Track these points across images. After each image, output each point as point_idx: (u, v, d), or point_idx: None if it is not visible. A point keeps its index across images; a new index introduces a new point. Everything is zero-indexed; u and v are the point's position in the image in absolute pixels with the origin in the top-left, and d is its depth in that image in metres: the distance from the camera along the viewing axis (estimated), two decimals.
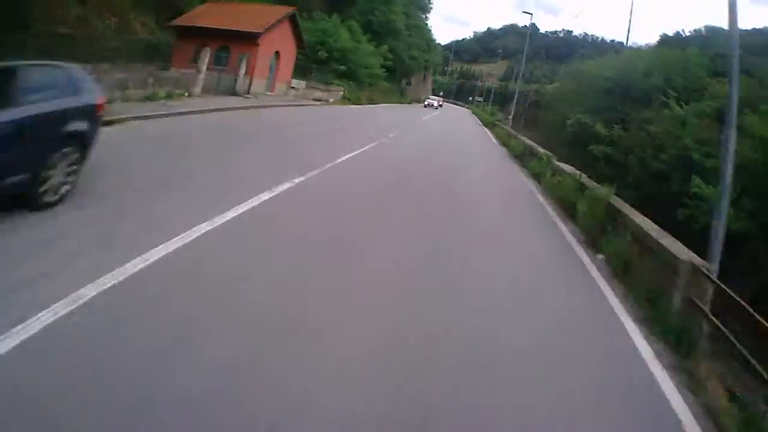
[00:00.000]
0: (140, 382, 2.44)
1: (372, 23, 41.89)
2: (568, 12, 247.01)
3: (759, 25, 48.44)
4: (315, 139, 13.10)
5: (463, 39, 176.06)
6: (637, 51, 35.20)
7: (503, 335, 3.87)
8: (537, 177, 13.78)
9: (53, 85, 4.80)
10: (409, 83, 63.00)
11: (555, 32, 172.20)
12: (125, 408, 2.27)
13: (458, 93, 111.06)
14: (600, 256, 6.77)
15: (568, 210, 9.44)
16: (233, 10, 22.58)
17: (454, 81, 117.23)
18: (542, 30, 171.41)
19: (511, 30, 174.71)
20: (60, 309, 2.87)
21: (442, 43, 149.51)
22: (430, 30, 66.67)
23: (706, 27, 52.57)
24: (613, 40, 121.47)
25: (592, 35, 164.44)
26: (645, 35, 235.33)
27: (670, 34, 59.61)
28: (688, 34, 56.66)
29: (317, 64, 31.48)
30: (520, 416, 2.89)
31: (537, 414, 2.95)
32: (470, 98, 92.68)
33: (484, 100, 79.51)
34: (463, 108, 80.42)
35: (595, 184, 9.83)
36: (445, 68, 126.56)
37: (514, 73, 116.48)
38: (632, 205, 7.83)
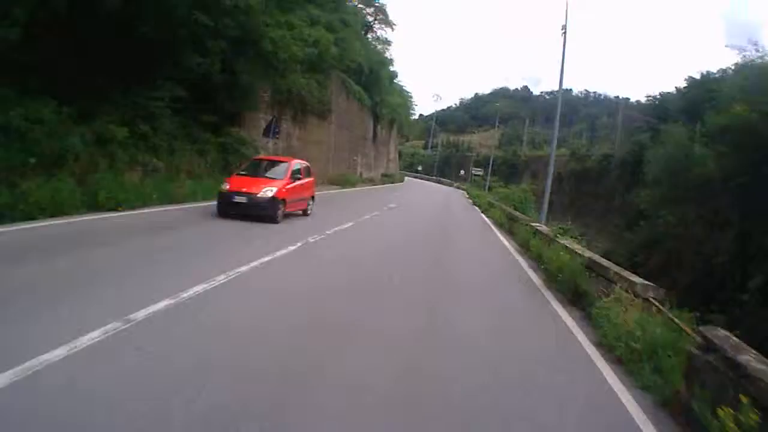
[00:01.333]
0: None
1: None
2: (555, 74, 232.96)
3: None
4: None
5: (448, 108, 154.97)
6: None
7: None
8: None
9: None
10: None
11: (551, 93, 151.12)
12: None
13: (444, 167, 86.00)
14: None
15: None
16: None
17: (439, 153, 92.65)
18: (536, 92, 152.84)
19: (501, 94, 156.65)
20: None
21: (425, 114, 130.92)
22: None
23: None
24: (617, 97, 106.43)
25: (594, 92, 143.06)
26: (640, 91, 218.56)
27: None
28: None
29: None
30: None
31: None
32: (461, 172, 68.23)
33: (479, 175, 55.44)
34: (451, 189, 56.03)
35: None
36: (429, 140, 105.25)
37: (506, 139, 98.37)
38: None
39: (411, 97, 55.70)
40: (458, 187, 60.04)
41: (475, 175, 57.69)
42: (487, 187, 35.99)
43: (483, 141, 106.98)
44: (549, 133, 78.68)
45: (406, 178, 68.23)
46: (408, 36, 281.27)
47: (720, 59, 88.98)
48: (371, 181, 34.47)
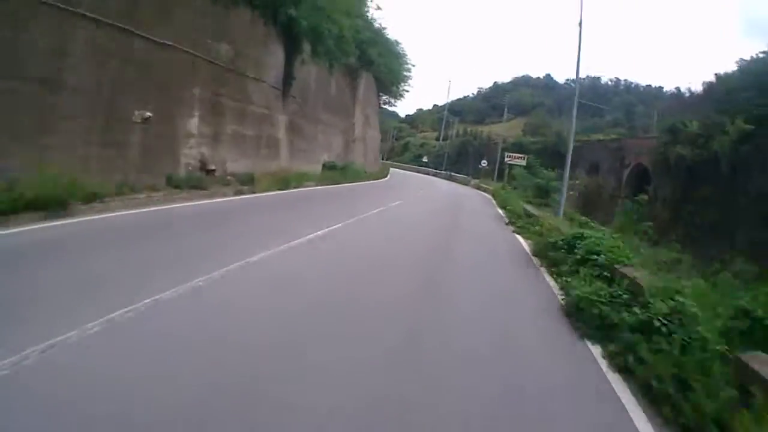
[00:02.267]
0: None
1: None
2: (588, 60, 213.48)
3: None
4: None
5: (465, 97, 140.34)
6: None
7: None
8: None
9: None
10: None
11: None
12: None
13: (459, 159, 69.26)
14: None
15: None
16: None
17: (451, 143, 75.76)
18: (560, 80, 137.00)
19: (522, 82, 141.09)
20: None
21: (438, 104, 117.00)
22: None
23: None
24: (649, 85, 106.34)
25: (625, 80, 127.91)
26: (672, 79, 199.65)
27: None
28: None
29: None
30: None
31: None
32: (482, 163, 51.39)
33: (517, 165, 37.49)
34: (469, 193, 36.68)
35: None
36: (443, 132, 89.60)
37: (530, 129, 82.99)
38: None
39: (405, 55, 39.52)
40: (478, 186, 43.09)
41: (512, 162, 38.73)
42: (562, 200, 16.42)
43: (503, 132, 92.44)
44: (579, 125, 64.27)
45: (397, 171, 52.07)
46: (422, 21, 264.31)
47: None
48: (292, 182, 18.01)
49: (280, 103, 18.69)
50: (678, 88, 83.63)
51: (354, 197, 17.94)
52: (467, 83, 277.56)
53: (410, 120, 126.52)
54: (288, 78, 18.95)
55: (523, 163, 37.16)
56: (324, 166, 23.64)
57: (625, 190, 36.34)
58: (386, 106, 49.12)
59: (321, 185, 19.56)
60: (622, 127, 76.38)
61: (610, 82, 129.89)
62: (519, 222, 15.37)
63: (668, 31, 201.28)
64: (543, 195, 22.76)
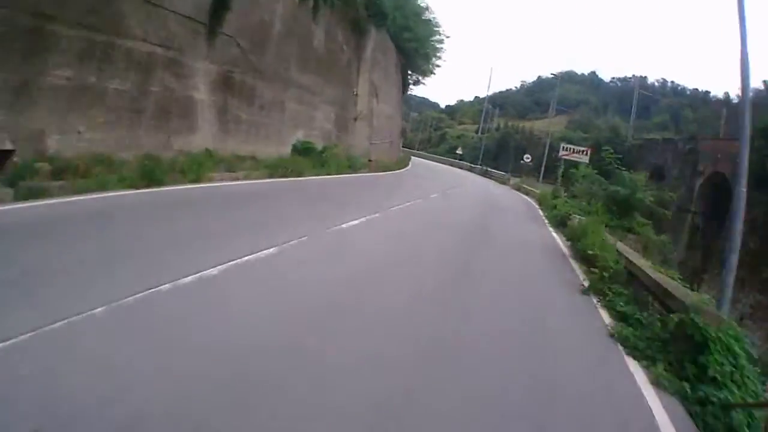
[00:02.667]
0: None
1: None
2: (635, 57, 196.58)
3: None
4: None
5: (507, 90, 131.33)
6: None
7: None
8: None
9: None
10: None
11: (624, 79, 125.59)
12: None
13: (500, 153, 61.07)
14: None
15: None
16: None
17: (488, 136, 67.70)
18: (606, 78, 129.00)
19: (567, 78, 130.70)
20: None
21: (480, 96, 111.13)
22: None
23: None
24: (696, 89, 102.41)
25: (672, 82, 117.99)
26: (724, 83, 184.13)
27: None
28: None
29: None
30: None
31: None
32: (524, 158, 41.67)
33: (579, 162, 26.72)
34: (507, 194, 29.80)
35: None
36: (483, 124, 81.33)
37: (574, 127, 75.47)
38: None
39: (436, 23, 32.05)
40: (519, 188, 34.76)
41: (563, 163, 28.52)
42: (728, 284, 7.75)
43: (546, 128, 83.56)
44: (624, 126, 55.76)
45: (423, 163, 46.53)
46: (467, 10, 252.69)
47: None
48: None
49: (202, 43, 11.32)
50: (727, 93, 76.47)
51: (285, 215, 9.84)
52: (510, 76, 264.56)
53: (450, 111, 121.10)
54: (220, 6, 11.54)
55: (586, 159, 26.64)
56: (294, 148, 16.13)
57: (698, 205, 27.85)
58: (414, 88, 41.58)
59: (260, 179, 12.07)
60: (668, 131, 68.57)
61: (656, 83, 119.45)
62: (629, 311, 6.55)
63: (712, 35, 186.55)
64: (623, 211, 14.58)
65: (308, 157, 15.82)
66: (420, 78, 38.13)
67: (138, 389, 2.71)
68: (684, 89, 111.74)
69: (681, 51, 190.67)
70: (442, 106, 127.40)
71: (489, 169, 51.07)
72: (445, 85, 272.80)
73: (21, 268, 4.00)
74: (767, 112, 26.43)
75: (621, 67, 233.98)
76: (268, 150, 14.45)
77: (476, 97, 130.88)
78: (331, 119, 19.74)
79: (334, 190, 13.98)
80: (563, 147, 31.08)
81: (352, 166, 19.16)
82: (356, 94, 21.91)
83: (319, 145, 17.27)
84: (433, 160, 57.14)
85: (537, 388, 3.96)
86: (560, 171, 27.69)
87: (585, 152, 28.78)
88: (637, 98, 59.53)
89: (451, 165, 56.17)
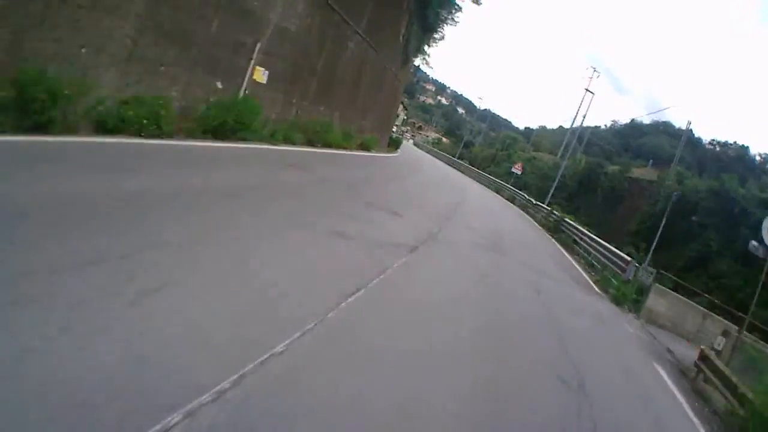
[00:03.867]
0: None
1: None
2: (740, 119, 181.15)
3: None
4: None
5: (596, 127, 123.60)
6: None
7: None
8: None
9: None
10: None
11: (725, 144, 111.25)
12: None
13: (579, 192, 54.71)
14: None
15: None
16: None
17: (575, 170, 60.04)
18: (704, 138, 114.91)
19: (662, 128, 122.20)
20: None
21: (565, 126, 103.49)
22: None
23: None
24: None
25: None
26: None
27: None
28: None
29: None
30: None
31: None
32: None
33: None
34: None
35: None
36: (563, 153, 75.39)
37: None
38: None
39: None
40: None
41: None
42: None
43: (644, 177, 75.40)
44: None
45: (448, 174, 39.02)
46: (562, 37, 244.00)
47: None
48: None
49: None
50: None
51: None
52: (602, 113, 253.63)
53: (527, 133, 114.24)
54: None
55: None
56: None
57: None
58: (492, 108, 37.97)
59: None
60: None
61: (760, 156, 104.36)
62: None
63: None
64: None
65: None
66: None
67: None
68: None
69: None
70: (521, 128, 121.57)
71: (562, 218, 25.97)
72: (528, 107, 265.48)
73: None
74: None
75: (717, 125, 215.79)
76: None
77: (560, 126, 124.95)
78: None
79: None
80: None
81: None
82: None
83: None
84: (474, 179, 48.11)
85: None
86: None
87: None
88: (738, 171, 52.93)
89: (497, 191, 42.90)
